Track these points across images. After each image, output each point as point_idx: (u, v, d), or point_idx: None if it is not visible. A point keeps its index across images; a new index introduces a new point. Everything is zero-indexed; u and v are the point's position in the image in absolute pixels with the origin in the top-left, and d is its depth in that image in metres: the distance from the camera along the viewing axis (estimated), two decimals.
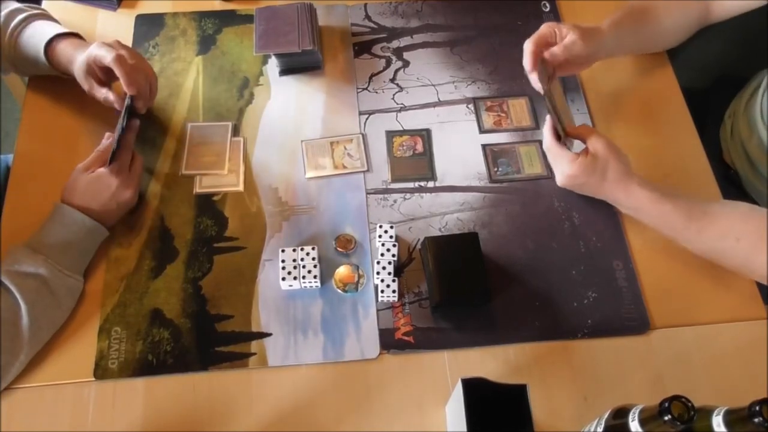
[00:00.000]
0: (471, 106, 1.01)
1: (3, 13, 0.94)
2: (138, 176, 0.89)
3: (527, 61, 0.90)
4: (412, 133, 0.99)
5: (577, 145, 0.90)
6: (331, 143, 0.97)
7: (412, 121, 1.00)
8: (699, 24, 0.99)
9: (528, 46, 0.90)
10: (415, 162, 0.96)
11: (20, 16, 0.93)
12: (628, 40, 0.95)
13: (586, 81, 1.03)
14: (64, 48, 0.92)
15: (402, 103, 1.02)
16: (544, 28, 0.91)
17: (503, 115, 1.00)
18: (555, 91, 0.91)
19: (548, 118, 0.89)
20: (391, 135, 0.98)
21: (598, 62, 0.96)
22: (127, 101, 0.88)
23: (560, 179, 0.88)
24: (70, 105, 0.99)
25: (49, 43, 0.91)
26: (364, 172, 0.95)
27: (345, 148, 0.97)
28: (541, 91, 0.89)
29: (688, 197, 0.82)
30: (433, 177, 0.95)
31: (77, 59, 0.90)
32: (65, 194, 0.84)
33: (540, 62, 0.87)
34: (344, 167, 0.95)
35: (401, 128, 0.99)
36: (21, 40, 0.93)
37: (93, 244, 0.85)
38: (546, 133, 0.89)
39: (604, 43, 0.91)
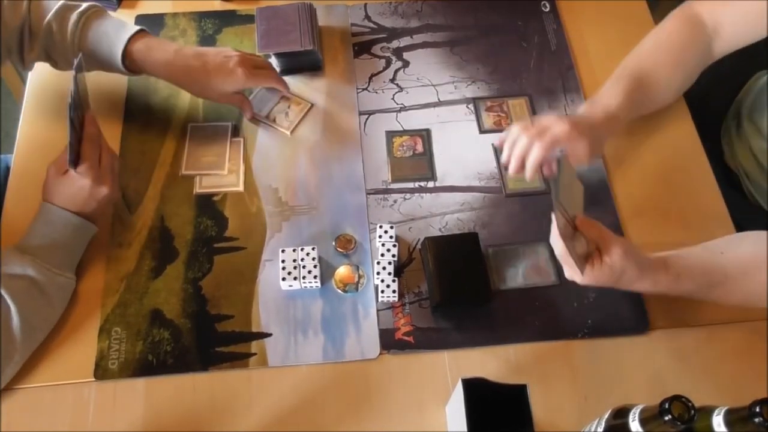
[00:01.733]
0: (471, 106, 1.01)
1: (54, 8, 0.89)
2: (110, 169, 0.84)
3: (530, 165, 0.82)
4: (412, 133, 0.99)
5: None
6: (281, 98, 1.01)
7: (412, 121, 1.00)
8: (701, 70, 0.95)
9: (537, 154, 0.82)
10: (415, 162, 0.96)
11: (76, 12, 0.90)
12: (637, 111, 0.91)
13: (586, 82, 1.03)
14: (149, 56, 0.90)
15: (402, 104, 1.02)
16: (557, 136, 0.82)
17: (503, 115, 1.00)
18: (565, 173, 0.80)
19: (554, 218, 0.74)
20: (391, 135, 0.98)
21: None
22: (68, 99, 0.79)
23: (570, 278, 0.79)
24: None
25: (126, 49, 0.89)
26: (289, 131, 0.98)
27: (289, 107, 1.00)
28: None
29: (703, 261, 0.77)
30: (433, 177, 0.95)
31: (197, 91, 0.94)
32: (45, 195, 0.82)
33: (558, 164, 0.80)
34: (274, 121, 0.99)
35: (401, 128, 0.99)
36: (87, 41, 0.90)
37: (81, 241, 0.84)
38: (555, 239, 0.76)
39: (620, 128, 0.88)
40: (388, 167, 0.95)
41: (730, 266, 0.77)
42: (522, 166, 0.84)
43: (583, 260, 0.74)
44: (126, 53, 0.90)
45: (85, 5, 0.91)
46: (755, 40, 0.90)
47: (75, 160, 0.81)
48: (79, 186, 0.81)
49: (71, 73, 0.80)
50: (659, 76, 0.91)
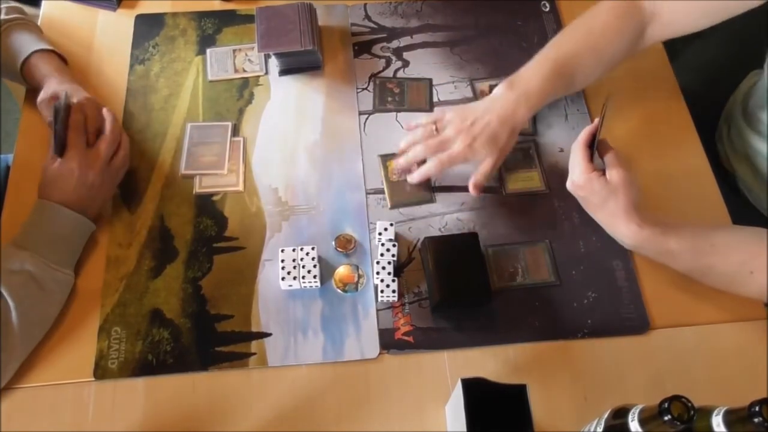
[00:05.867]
0: None
1: None
2: (99, 154, 0.85)
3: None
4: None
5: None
6: (234, 50, 1.05)
7: (412, 121, 0.99)
8: (629, 55, 0.93)
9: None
10: (412, 185, 0.93)
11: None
12: (553, 98, 0.92)
13: None
14: (42, 66, 0.93)
15: None
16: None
17: None
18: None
19: (596, 120, 0.83)
20: (384, 159, 0.96)
21: None
22: (61, 101, 0.85)
23: (568, 182, 0.85)
24: None
25: (27, 59, 0.93)
26: (260, 75, 1.03)
27: (246, 55, 1.04)
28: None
29: (693, 229, 0.80)
30: (432, 200, 0.93)
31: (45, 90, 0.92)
32: (40, 192, 0.84)
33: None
34: (244, 71, 1.03)
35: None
36: (3, 46, 0.94)
37: (78, 237, 0.84)
38: (583, 133, 0.84)
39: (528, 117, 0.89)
40: (386, 192, 0.93)
41: (720, 240, 0.78)
42: (408, 169, 0.91)
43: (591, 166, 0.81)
44: (26, 63, 0.93)
45: (12, 15, 0.96)
46: (693, 30, 0.90)
47: (61, 149, 0.84)
48: (67, 170, 0.83)
49: None
50: (583, 64, 0.90)
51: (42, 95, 0.91)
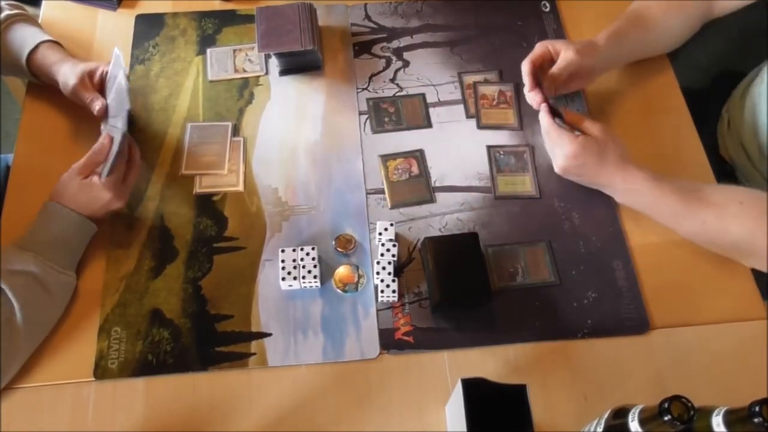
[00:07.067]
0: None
1: None
2: (131, 186, 0.88)
3: (527, 81, 0.91)
4: (406, 155, 0.97)
5: None
6: (234, 50, 1.05)
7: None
8: (701, 22, 0.98)
9: (526, 68, 0.91)
10: (412, 185, 0.94)
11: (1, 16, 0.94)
12: (627, 49, 0.96)
13: None
14: (51, 54, 0.93)
15: None
16: (539, 47, 0.92)
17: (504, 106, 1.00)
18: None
19: (543, 105, 0.88)
20: (385, 159, 0.96)
21: None
22: (127, 109, 0.86)
23: (561, 162, 0.86)
24: (69, 106, 0.98)
25: (32, 50, 0.93)
26: (260, 75, 1.03)
27: (246, 55, 1.04)
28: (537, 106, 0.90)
29: (685, 180, 0.83)
30: (432, 199, 0.93)
31: (64, 72, 0.92)
32: (55, 193, 0.83)
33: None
34: (244, 71, 1.03)
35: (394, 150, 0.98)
36: (2, 41, 0.93)
37: (82, 239, 0.85)
38: (543, 116, 0.87)
39: (602, 57, 0.92)
40: (387, 192, 0.94)
41: (708, 188, 0.81)
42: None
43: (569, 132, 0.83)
44: (33, 54, 0.93)
45: (14, 11, 0.96)
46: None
47: (107, 173, 0.83)
48: (98, 195, 0.83)
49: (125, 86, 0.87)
50: (656, 19, 0.95)
51: (81, 70, 0.91)
